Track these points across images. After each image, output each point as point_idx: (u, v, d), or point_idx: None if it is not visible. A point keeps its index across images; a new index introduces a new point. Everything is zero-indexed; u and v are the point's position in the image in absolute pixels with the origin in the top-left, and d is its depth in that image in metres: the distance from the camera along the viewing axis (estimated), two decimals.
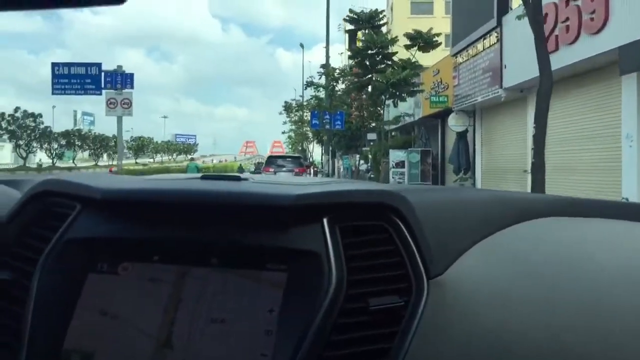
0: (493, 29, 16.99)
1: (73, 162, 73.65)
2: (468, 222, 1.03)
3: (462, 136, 21.49)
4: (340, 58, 26.56)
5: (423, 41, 12.96)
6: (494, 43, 17.00)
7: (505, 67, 16.40)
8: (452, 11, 20.82)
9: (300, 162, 23.40)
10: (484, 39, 17.74)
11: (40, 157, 70.14)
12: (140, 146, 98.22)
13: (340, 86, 27.16)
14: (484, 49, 17.81)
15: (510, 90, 16.39)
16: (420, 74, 13.75)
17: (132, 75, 36.29)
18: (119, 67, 35.77)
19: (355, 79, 15.71)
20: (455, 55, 20.75)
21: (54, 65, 35.61)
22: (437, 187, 1.96)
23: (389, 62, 13.55)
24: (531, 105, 16.36)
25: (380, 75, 12.73)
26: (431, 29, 13.63)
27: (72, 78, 35.06)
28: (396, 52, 13.44)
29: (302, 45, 54.40)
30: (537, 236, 1.04)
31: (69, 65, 35.42)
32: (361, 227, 0.90)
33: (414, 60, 13.26)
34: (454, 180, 21.58)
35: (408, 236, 0.89)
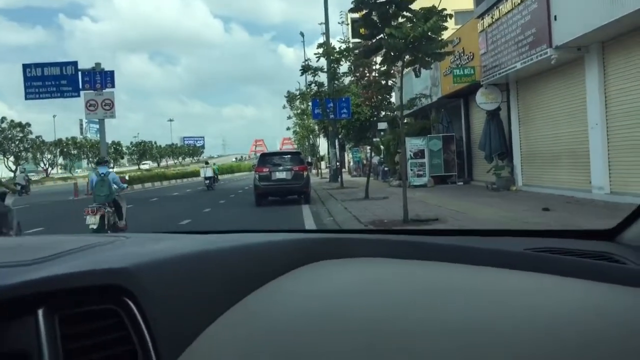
0: None
1: (70, 172, 70.70)
2: (214, 291, 0.96)
3: (494, 116, 17.73)
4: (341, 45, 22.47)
5: None
6: None
7: (555, 18, 12.52)
8: None
9: (301, 159, 19.67)
10: None
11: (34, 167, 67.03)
12: (143, 151, 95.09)
13: (344, 69, 23.28)
14: (522, 1, 13.92)
15: (564, 50, 12.52)
16: (447, 27, 9.85)
17: (112, 73, 32.56)
18: (97, 64, 32.06)
19: (360, 46, 12.03)
20: (481, 16, 16.89)
21: (25, 67, 31.47)
22: (192, 244, 1.16)
23: (406, 14, 9.66)
24: (591, 67, 12.51)
25: (395, 30, 8.84)
26: None
27: (47, 80, 31.28)
28: None
29: (302, 34, 51.01)
30: (292, 292, 0.99)
31: (42, 65, 31.58)
32: (87, 313, 0.82)
33: (439, 7, 9.37)
34: (487, 170, 17.77)
35: (140, 320, 0.83)
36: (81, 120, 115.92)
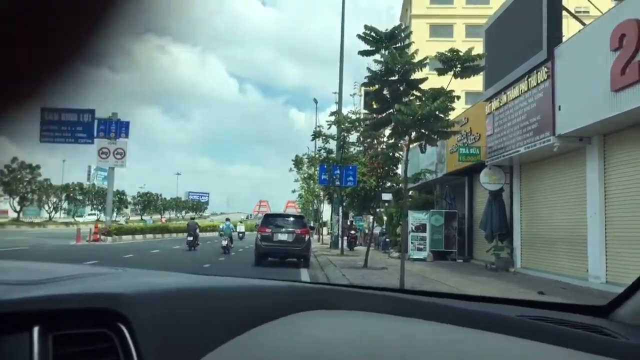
0: (542, 63, 13.73)
1: (73, 217, 70.93)
2: (207, 327, 0.97)
3: (496, 196, 18.02)
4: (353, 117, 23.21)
5: (460, 64, 9.60)
6: (544, 80, 13.69)
7: (559, 109, 13.01)
8: (485, 48, 17.66)
9: (304, 223, 19.92)
10: (529, 77, 14.46)
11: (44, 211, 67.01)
12: (147, 202, 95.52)
13: (353, 138, 23.86)
14: (529, 89, 14.49)
15: (566, 139, 12.94)
16: (454, 108, 10.32)
17: (127, 123, 33.47)
18: (114, 114, 32.99)
19: (370, 118, 12.49)
20: (489, 99, 17.49)
21: (42, 110, 32.11)
22: (188, 282, 1.24)
23: (416, 93, 10.16)
24: (592, 158, 12.90)
25: (404, 107, 9.30)
26: (471, 48, 10.27)
27: (63, 125, 32.12)
28: (425, 79, 10.09)
29: (315, 101, 52.69)
30: (282, 338, 1.00)
31: (59, 111, 32.58)
32: (82, 335, 0.83)
33: (448, 89, 9.87)
34: (487, 250, 17.91)
35: (132, 346, 0.84)
36: (89, 167, 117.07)
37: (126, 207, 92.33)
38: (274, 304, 1.10)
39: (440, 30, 47.34)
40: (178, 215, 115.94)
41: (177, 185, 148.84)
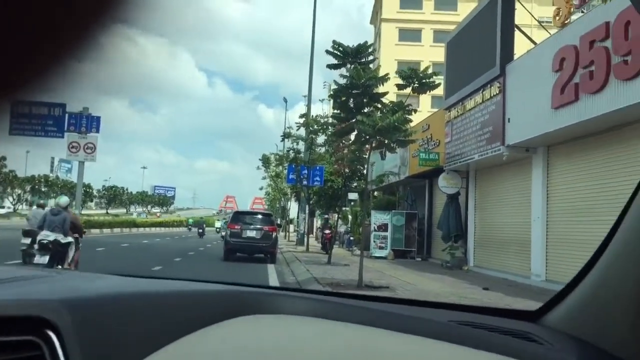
0: (495, 78, 14.92)
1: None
2: (140, 334, 0.94)
3: (453, 199, 19.22)
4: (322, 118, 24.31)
5: (418, 81, 10.67)
6: (496, 94, 14.89)
7: (508, 121, 14.22)
8: (446, 59, 18.84)
9: (272, 221, 20.87)
10: (484, 90, 15.65)
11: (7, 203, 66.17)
12: (113, 196, 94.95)
13: (320, 140, 24.88)
14: (483, 101, 15.69)
15: (514, 149, 14.16)
16: (412, 120, 11.39)
17: (98, 118, 33.76)
18: (85, 109, 33.22)
19: (337, 123, 13.43)
20: (448, 108, 18.67)
21: (13, 103, 32.46)
22: (123, 286, 1.29)
23: (377, 105, 11.19)
24: (537, 167, 14.15)
25: (366, 118, 10.32)
26: (428, 67, 11.39)
27: (33, 118, 32.22)
28: (386, 93, 11.13)
29: (285, 100, 53.35)
30: (213, 345, 0.99)
31: (30, 104, 32.29)
32: (10, 343, 0.80)
33: (406, 103, 10.92)
34: (442, 249, 19.11)
35: (61, 355, 0.81)
36: (53, 159, 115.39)
37: (91, 201, 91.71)
38: (213, 309, 1.11)
39: (409, 35, 48.68)
40: (144, 209, 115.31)
41: (143, 179, 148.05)
